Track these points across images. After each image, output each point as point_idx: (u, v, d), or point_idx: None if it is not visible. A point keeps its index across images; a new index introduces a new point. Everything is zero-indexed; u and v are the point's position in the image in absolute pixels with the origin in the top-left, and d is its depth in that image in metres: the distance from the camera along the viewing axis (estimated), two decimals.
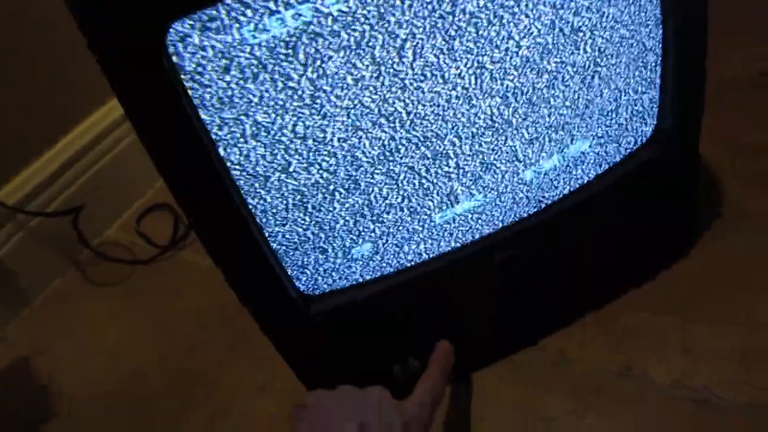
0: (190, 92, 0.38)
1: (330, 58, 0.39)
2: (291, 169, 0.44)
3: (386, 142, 0.45)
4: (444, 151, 0.47)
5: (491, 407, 0.60)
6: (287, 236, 0.48)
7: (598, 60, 0.47)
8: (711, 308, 0.61)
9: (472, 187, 0.50)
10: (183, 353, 0.73)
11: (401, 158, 0.46)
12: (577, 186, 0.54)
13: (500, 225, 0.54)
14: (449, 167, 0.48)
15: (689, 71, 0.51)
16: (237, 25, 0.36)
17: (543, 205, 0.54)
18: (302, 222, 0.48)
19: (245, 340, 0.71)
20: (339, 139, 0.43)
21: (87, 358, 0.76)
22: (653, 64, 0.51)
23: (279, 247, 0.49)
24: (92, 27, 0.32)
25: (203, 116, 0.39)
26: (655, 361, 0.59)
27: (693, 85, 0.52)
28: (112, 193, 0.92)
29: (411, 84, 0.42)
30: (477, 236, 0.54)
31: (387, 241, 0.51)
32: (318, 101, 0.41)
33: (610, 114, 0.51)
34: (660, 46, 0.49)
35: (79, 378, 0.74)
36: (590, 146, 0.53)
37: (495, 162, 0.49)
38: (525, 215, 0.54)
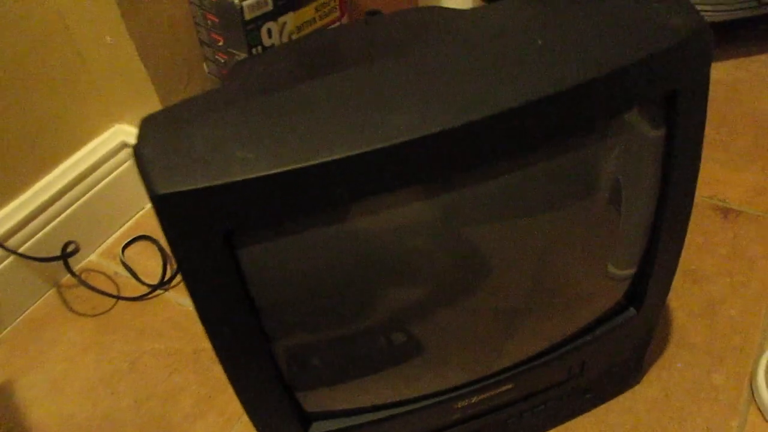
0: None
1: None
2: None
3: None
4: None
5: None
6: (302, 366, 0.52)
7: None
8: None
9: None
10: (157, 400, 0.76)
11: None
12: (546, 345, 0.58)
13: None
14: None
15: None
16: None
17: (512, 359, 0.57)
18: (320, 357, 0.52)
19: (218, 393, 0.75)
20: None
21: (61, 391, 0.79)
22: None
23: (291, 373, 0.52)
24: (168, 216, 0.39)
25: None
26: None
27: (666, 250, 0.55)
28: (95, 220, 0.94)
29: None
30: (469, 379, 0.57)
31: (391, 377, 0.55)
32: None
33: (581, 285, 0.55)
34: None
35: (53, 412, 0.77)
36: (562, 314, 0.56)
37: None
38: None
